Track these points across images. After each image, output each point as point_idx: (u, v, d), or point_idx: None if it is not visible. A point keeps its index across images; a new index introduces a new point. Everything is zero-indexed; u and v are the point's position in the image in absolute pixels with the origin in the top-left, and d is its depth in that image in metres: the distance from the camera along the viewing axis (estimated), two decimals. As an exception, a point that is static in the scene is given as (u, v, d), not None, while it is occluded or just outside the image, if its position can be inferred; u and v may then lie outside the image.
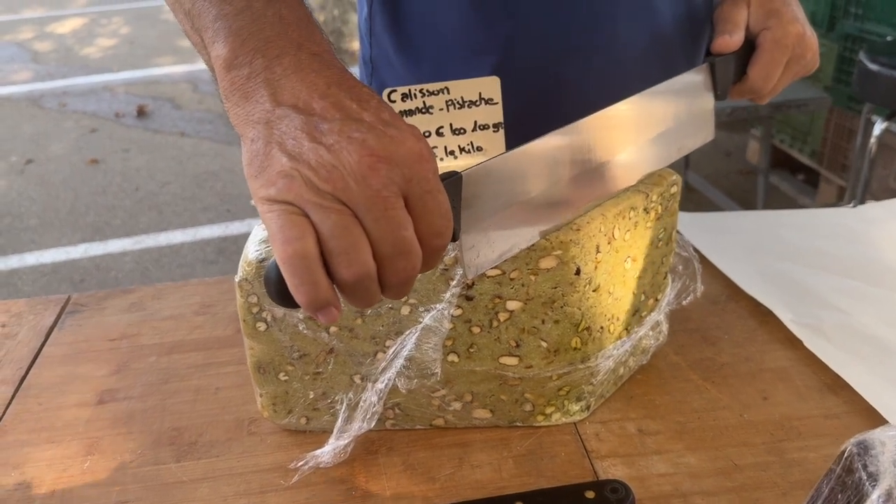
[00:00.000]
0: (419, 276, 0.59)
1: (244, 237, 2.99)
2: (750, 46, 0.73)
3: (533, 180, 0.55)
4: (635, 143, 0.64)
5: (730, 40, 0.71)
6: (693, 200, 2.96)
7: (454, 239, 0.48)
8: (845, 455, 0.42)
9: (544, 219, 0.57)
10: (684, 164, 3.05)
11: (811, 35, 0.74)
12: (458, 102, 0.67)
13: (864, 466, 0.41)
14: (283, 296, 0.43)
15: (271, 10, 0.48)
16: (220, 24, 0.48)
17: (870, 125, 2.26)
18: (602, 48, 0.81)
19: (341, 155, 0.41)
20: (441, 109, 0.66)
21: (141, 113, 4.35)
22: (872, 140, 2.21)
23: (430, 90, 0.66)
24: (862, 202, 2.24)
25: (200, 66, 5.31)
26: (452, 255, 0.59)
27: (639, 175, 0.65)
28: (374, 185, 0.41)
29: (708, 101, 0.71)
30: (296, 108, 0.44)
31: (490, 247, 0.53)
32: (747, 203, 2.97)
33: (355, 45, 4.51)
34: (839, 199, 2.81)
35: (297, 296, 0.42)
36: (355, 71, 0.77)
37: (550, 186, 0.57)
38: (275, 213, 0.42)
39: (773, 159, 2.93)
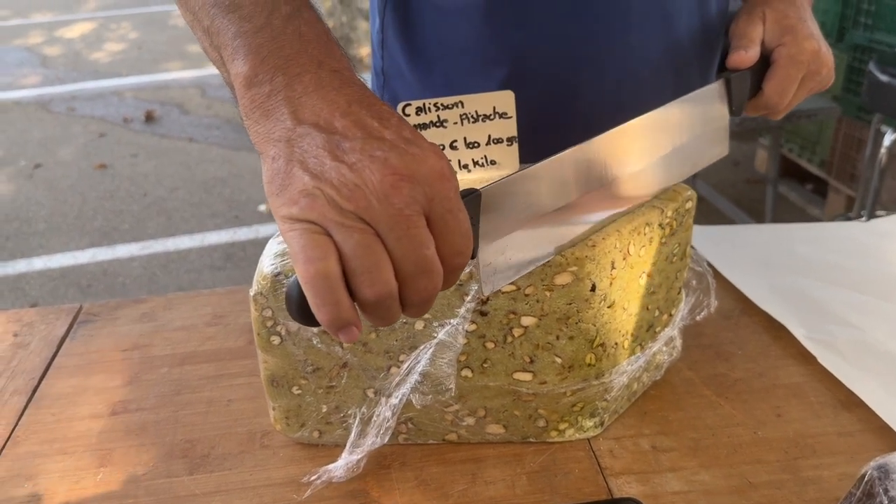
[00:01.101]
0: (434, 291, 0.59)
1: (252, 243, 2.99)
2: (765, 62, 0.73)
3: (549, 197, 0.55)
4: (650, 159, 0.64)
5: (745, 56, 0.71)
6: (701, 210, 2.95)
7: (472, 256, 0.48)
8: (865, 479, 0.42)
9: (560, 235, 0.57)
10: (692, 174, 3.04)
11: (826, 51, 0.74)
12: (472, 116, 0.67)
13: (886, 491, 0.40)
14: (304, 314, 0.43)
15: (291, 27, 0.48)
16: (239, 41, 0.48)
17: (879, 136, 2.25)
18: (615, 59, 0.81)
19: (364, 174, 0.41)
20: (455, 123, 0.66)
21: (149, 118, 4.37)
22: (882, 151, 2.20)
23: (445, 104, 0.66)
24: (872, 213, 2.23)
25: (208, 71, 5.34)
26: (467, 270, 0.59)
27: (654, 191, 0.65)
28: (397, 204, 0.41)
29: (723, 117, 0.71)
30: (317, 127, 0.44)
31: (506, 263, 0.53)
32: (756, 212, 2.96)
33: (363, 51, 4.52)
34: (848, 209, 2.80)
35: (319, 315, 0.42)
36: (366, 79, 0.78)
37: (567, 203, 0.56)
38: (297, 232, 0.41)
39: (781, 169, 2.93)
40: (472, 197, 0.48)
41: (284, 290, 0.46)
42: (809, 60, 0.72)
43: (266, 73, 0.46)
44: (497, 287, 0.53)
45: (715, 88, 0.70)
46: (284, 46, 0.47)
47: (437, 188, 0.43)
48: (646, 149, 0.63)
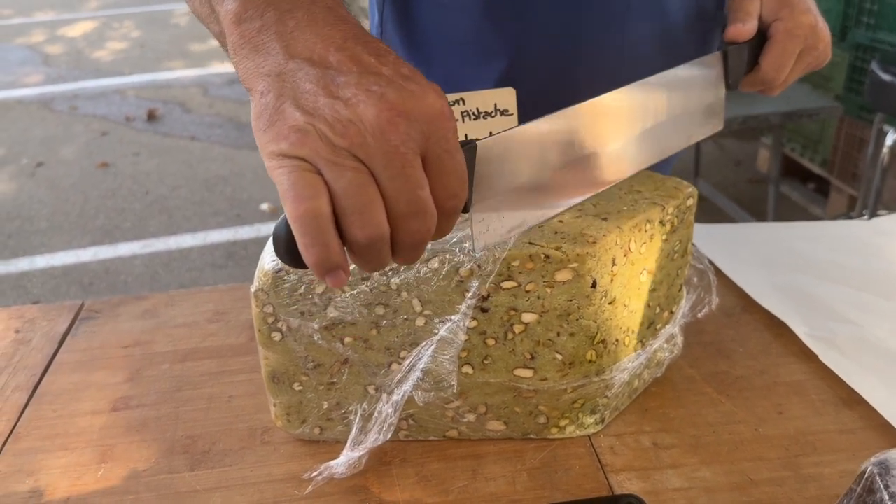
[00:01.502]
0: (434, 287, 0.59)
1: (253, 242, 2.99)
2: (762, 37, 0.73)
3: (546, 155, 0.53)
4: (647, 124, 0.62)
5: (743, 28, 0.70)
6: (703, 209, 2.95)
7: (465, 210, 0.47)
8: (866, 475, 0.42)
9: (557, 196, 0.55)
10: (694, 173, 3.04)
11: (823, 26, 0.73)
12: (473, 113, 0.66)
13: (886, 486, 0.40)
14: (292, 255, 0.42)
15: None
16: None
17: (881, 135, 2.25)
18: (613, 50, 0.81)
19: (358, 108, 0.40)
20: (456, 120, 0.66)
21: (151, 117, 4.37)
22: (884, 150, 2.20)
23: (446, 101, 0.66)
24: (874, 213, 2.23)
25: (211, 70, 5.34)
26: (468, 266, 0.59)
27: (650, 159, 0.63)
28: (393, 141, 0.40)
29: (719, 91, 0.70)
30: (310, 62, 0.42)
31: (500, 220, 0.51)
32: (757, 212, 2.96)
33: (365, 50, 4.51)
34: (850, 209, 2.80)
35: (307, 256, 0.41)
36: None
37: (564, 162, 0.55)
38: (286, 169, 0.40)
39: (783, 168, 2.93)
40: (469, 147, 0.46)
41: (273, 230, 0.45)
42: (807, 35, 0.72)
43: (257, 9, 0.44)
44: (489, 244, 0.51)
45: (712, 61, 0.69)
46: None
47: (434, 127, 0.41)
48: (643, 113, 0.61)
